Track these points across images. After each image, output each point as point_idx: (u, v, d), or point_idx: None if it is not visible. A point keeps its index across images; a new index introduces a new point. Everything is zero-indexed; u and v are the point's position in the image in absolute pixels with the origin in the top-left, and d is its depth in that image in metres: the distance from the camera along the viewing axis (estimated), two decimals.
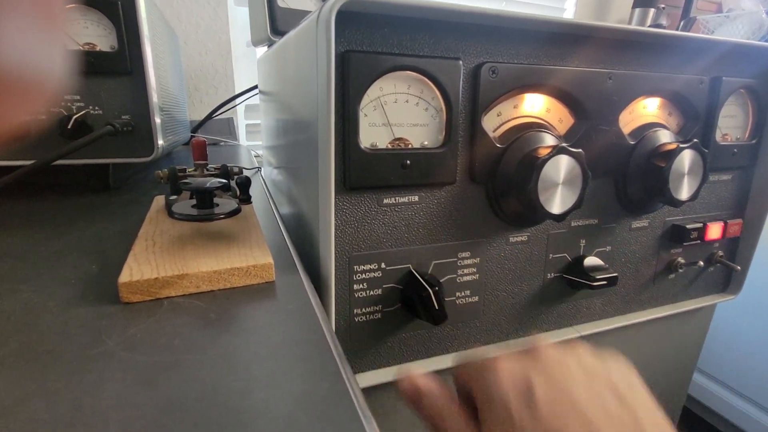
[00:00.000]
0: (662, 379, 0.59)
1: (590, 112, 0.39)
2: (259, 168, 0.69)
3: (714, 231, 0.50)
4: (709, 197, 0.50)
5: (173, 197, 0.38)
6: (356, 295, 0.35)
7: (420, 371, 0.25)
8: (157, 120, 0.46)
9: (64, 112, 0.44)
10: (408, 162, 0.33)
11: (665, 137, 0.43)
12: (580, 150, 0.35)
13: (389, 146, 0.33)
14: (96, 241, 0.35)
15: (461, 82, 0.33)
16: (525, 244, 0.41)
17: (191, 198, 0.35)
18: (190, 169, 0.40)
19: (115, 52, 0.44)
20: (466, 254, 0.38)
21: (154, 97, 0.46)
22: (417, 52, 0.32)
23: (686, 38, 0.40)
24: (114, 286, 0.27)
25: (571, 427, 0.18)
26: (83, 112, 0.44)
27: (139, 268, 0.26)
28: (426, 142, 0.34)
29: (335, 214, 0.32)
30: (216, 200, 0.33)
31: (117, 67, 0.44)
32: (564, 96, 0.38)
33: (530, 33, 0.35)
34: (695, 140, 0.41)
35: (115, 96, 0.45)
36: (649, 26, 1.13)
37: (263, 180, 0.62)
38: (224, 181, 0.32)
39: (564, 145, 0.34)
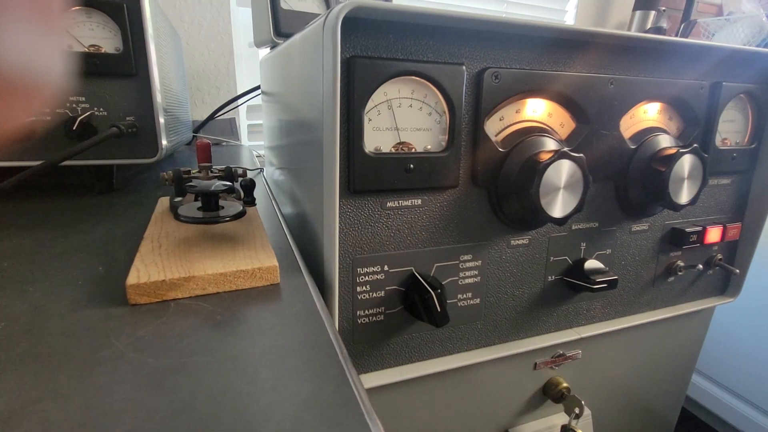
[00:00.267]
0: (661, 380, 0.59)
1: (591, 116, 0.39)
2: (261, 169, 0.70)
3: (713, 234, 0.50)
4: (709, 201, 0.51)
5: (178, 199, 0.38)
6: (359, 297, 0.35)
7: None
8: (161, 121, 0.47)
9: (69, 113, 0.44)
10: (411, 166, 0.33)
11: (665, 142, 0.43)
12: (581, 155, 0.35)
13: (393, 150, 0.33)
14: (101, 242, 0.35)
15: (464, 87, 0.34)
16: (526, 247, 0.41)
17: (196, 200, 0.36)
18: (194, 171, 0.41)
19: (119, 54, 0.44)
20: (468, 257, 0.38)
21: (158, 99, 0.46)
22: (421, 57, 0.32)
23: (687, 44, 0.41)
24: (121, 288, 0.27)
25: None
26: (88, 113, 0.44)
27: (146, 270, 0.26)
28: (429, 147, 0.34)
29: (339, 217, 0.32)
30: (221, 202, 0.33)
31: (122, 68, 0.44)
32: (566, 101, 0.39)
33: (533, 39, 0.36)
34: (695, 145, 0.41)
35: (120, 97, 0.45)
36: (650, 29, 1.13)
37: (265, 180, 0.63)
38: (229, 183, 0.32)
39: (566, 149, 0.35)
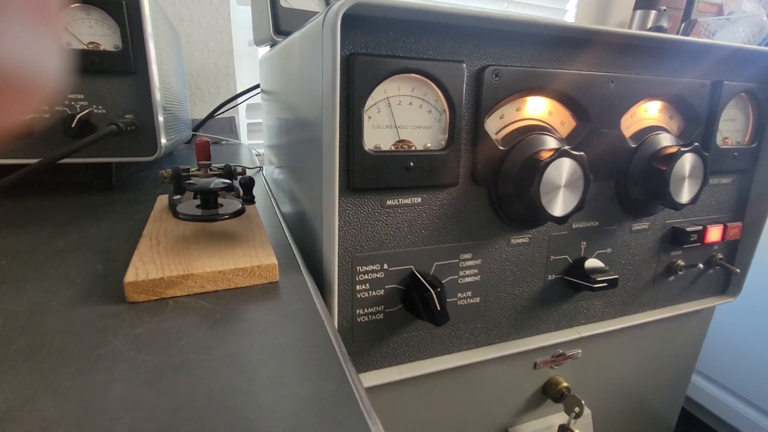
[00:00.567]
0: (661, 380, 0.59)
1: (592, 115, 0.39)
2: (260, 167, 0.69)
3: (714, 234, 0.50)
4: (710, 200, 0.50)
5: (177, 197, 0.38)
6: (359, 296, 0.35)
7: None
8: (160, 119, 0.46)
9: (68, 111, 0.44)
10: (411, 164, 0.33)
11: (666, 140, 0.43)
12: (582, 153, 0.35)
13: (393, 148, 0.33)
14: (100, 240, 0.35)
15: (464, 85, 0.34)
16: (526, 246, 0.41)
17: (195, 198, 0.35)
18: (193, 169, 0.40)
19: (118, 51, 0.44)
20: (468, 256, 0.38)
21: (158, 97, 0.46)
22: (421, 55, 0.32)
23: (688, 42, 0.41)
24: (119, 285, 0.27)
25: None
26: (87, 111, 0.44)
27: (145, 268, 0.26)
28: (429, 145, 0.34)
29: (338, 215, 0.32)
30: (220, 200, 0.33)
31: (121, 66, 0.44)
32: (566, 99, 0.39)
33: (533, 36, 0.35)
34: (696, 144, 0.41)
35: (119, 95, 0.45)
36: (650, 28, 1.13)
37: (264, 179, 0.63)
38: (228, 181, 0.32)
39: (566, 148, 0.34)
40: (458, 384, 0.43)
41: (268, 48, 0.61)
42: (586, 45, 0.38)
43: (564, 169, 0.35)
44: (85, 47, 0.43)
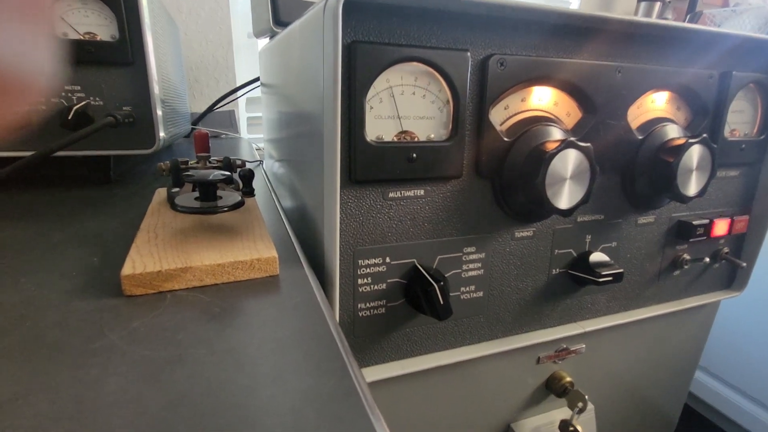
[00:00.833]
0: (665, 375, 0.59)
1: (599, 105, 0.39)
2: (260, 161, 0.69)
3: (720, 227, 0.50)
4: (716, 193, 0.50)
5: (175, 189, 0.37)
6: (360, 290, 0.34)
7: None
8: (159, 111, 0.46)
9: (65, 102, 0.43)
10: (414, 155, 0.32)
11: (673, 132, 0.42)
12: (588, 144, 0.34)
13: (395, 139, 0.32)
14: (97, 233, 0.34)
15: (469, 75, 0.33)
16: (530, 240, 0.40)
17: (194, 190, 0.35)
18: (192, 162, 0.40)
19: (116, 42, 0.43)
20: (472, 249, 0.38)
21: (156, 89, 0.45)
22: (424, 43, 0.31)
23: (697, 31, 0.40)
24: (116, 279, 0.26)
25: None
26: (84, 102, 0.43)
27: (142, 261, 0.26)
28: (432, 136, 0.33)
29: (340, 207, 0.31)
30: (219, 193, 0.32)
31: (118, 57, 0.43)
32: (572, 89, 0.38)
33: (539, 24, 0.35)
34: (704, 135, 0.40)
35: (116, 87, 0.44)
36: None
37: (265, 173, 0.62)
38: (227, 173, 0.31)
39: (572, 139, 0.34)
40: (461, 379, 0.42)
41: (267, 40, 0.60)
42: (593, 34, 0.37)
43: (570, 161, 0.34)
44: (82, 37, 0.42)
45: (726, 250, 0.52)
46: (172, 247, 0.28)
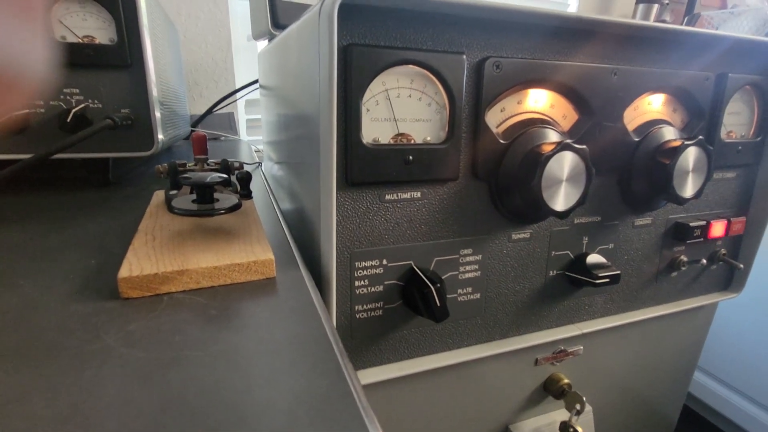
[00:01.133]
0: (663, 377, 0.59)
1: (595, 108, 0.39)
2: (259, 163, 0.69)
3: (717, 229, 0.50)
4: (713, 195, 0.50)
5: (173, 192, 0.38)
6: (357, 292, 0.35)
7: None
8: (157, 114, 0.46)
9: (63, 105, 0.43)
10: (410, 158, 0.32)
11: (670, 134, 0.42)
12: (584, 146, 0.34)
13: (391, 142, 0.32)
14: (95, 236, 0.34)
15: (465, 77, 0.33)
16: (527, 242, 0.40)
17: (191, 193, 0.35)
18: (190, 164, 0.40)
19: (114, 44, 0.43)
20: (468, 251, 0.38)
21: (154, 91, 0.45)
22: (420, 46, 0.31)
23: (692, 33, 0.40)
24: (113, 281, 0.27)
25: None
26: (82, 105, 0.43)
27: (139, 264, 0.26)
28: (429, 138, 0.34)
29: (336, 209, 0.31)
30: (216, 195, 0.32)
31: (116, 60, 0.44)
32: (568, 92, 0.38)
33: (535, 27, 0.35)
34: (700, 137, 0.41)
35: (115, 89, 0.45)
36: (653, 22, 1.12)
37: (264, 175, 0.62)
38: (225, 175, 0.32)
39: (568, 141, 0.34)
40: (458, 381, 0.42)
41: (266, 42, 0.60)
42: (589, 36, 0.37)
43: (566, 163, 0.34)
44: (80, 41, 0.42)
45: (723, 251, 0.53)
46: (169, 250, 0.28)
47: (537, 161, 0.33)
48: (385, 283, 0.35)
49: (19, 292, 0.25)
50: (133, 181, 0.53)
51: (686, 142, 0.40)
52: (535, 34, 0.35)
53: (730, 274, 0.56)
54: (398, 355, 0.38)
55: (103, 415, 0.16)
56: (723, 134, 0.47)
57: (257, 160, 0.73)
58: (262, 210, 0.43)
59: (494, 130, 0.36)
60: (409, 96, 0.32)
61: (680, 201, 0.42)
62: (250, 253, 0.28)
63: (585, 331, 0.46)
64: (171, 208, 0.30)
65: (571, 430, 0.46)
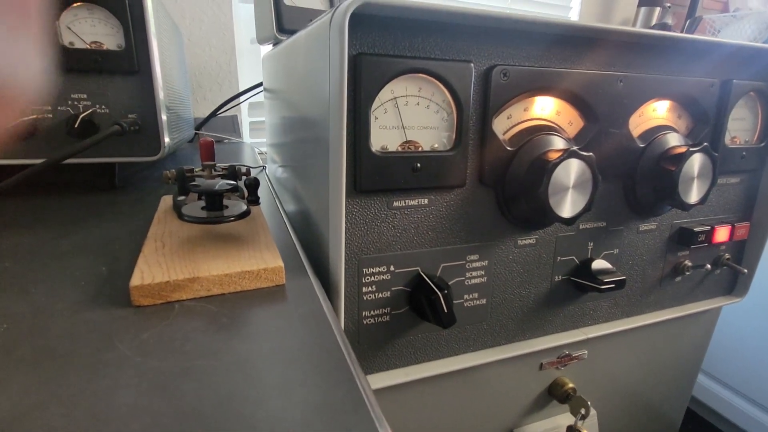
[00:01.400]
0: (667, 381, 0.59)
1: (600, 115, 0.39)
2: (264, 167, 0.69)
3: (721, 234, 0.50)
4: (717, 200, 0.50)
5: (181, 198, 0.38)
6: (365, 298, 0.35)
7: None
8: (164, 118, 0.46)
9: (71, 111, 0.43)
10: (418, 165, 0.33)
11: (675, 140, 0.42)
12: (591, 154, 0.35)
13: (399, 149, 0.33)
14: (104, 241, 0.34)
15: (472, 85, 0.33)
16: (533, 247, 0.41)
17: (200, 199, 0.35)
18: (197, 170, 0.40)
19: (122, 50, 0.44)
20: (475, 257, 0.38)
21: (161, 96, 0.45)
22: (429, 54, 0.31)
23: (698, 41, 0.40)
24: (124, 288, 0.27)
25: None
26: (90, 111, 0.44)
27: (150, 271, 0.26)
28: (436, 145, 0.34)
29: (345, 216, 0.32)
30: (225, 202, 0.33)
31: (124, 65, 0.44)
32: (574, 99, 0.38)
33: (542, 35, 0.35)
34: (705, 144, 0.41)
35: (122, 95, 0.45)
36: (654, 25, 1.12)
37: (268, 177, 0.62)
38: (233, 182, 0.32)
39: (575, 148, 0.34)
40: (464, 385, 0.43)
41: (270, 46, 0.61)
42: (594, 44, 0.37)
43: (572, 170, 0.34)
44: (88, 46, 0.43)
45: (727, 256, 0.53)
46: (179, 257, 0.28)
47: (544, 168, 0.34)
48: (393, 289, 0.36)
49: (32, 299, 0.25)
50: (138, 185, 0.53)
51: (691, 149, 0.40)
52: (542, 43, 0.35)
53: (733, 279, 0.56)
54: (404, 360, 0.38)
55: (120, 425, 0.16)
56: (727, 140, 0.47)
57: (261, 162, 0.73)
58: (267, 212, 0.43)
59: (501, 137, 0.36)
60: (417, 104, 0.32)
61: (685, 207, 0.42)
62: (260, 261, 0.28)
63: (590, 336, 0.46)
64: (181, 215, 0.30)
65: None
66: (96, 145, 0.40)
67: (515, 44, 0.34)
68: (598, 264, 0.43)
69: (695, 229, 0.48)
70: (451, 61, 0.32)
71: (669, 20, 1.18)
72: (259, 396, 0.18)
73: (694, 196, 0.42)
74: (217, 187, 0.30)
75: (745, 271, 0.53)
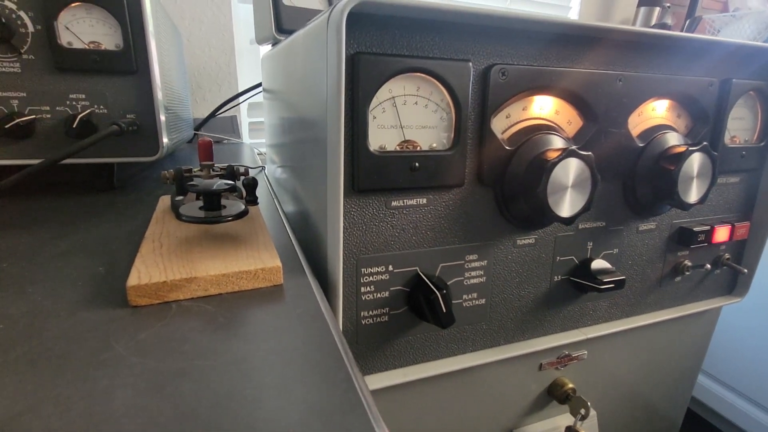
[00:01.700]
0: (667, 381, 0.59)
1: (599, 114, 0.39)
2: (263, 167, 0.69)
3: (721, 234, 0.50)
4: (717, 200, 0.50)
5: (179, 198, 0.38)
6: (363, 298, 0.35)
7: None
8: (162, 119, 0.46)
9: (69, 111, 0.43)
10: (416, 164, 0.33)
11: (674, 140, 0.42)
12: (590, 153, 0.35)
13: (398, 149, 0.33)
14: (102, 242, 0.34)
15: (471, 84, 0.33)
16: (532, 247, 0.40)
17: (198, 199, 0.35)
18: (195, 170, 0.40)
19: (120, 50, 0.43)
20: (474, 257, 0.38)
21: (159, 96, 0.45)
22: (427, 53, 0.31)
23: (698, 40, 0.40)
24: (121, 289, 0.27)
25: None
26: (88, 111, 0.44)
27: (147, 271, 0.26)
28: (434, 145, 0.34)
29: (343, 216, 0.32)
30: (223, 201, 0.33)
31: (122, 66, 0.44)
32: (573, 98, 0.38)
33: (541, 34, 0.35)
34: (705, 143, 0.41)
35: (120, 95, 0.45)
36: (654, 25, 1.12)
37: (267, 178, 0.62)
38: (232, 182, 0.32)
39: (574, 148, 0.34)
40: (463, 386, 0.42)
41: (270, 46, 0.61)
42: (594, 43, 0.37)
43: (571, 170, 0.34)
44: (86, 47, 0.43)
45: (727, 256, 0.53)
46: (177, 257, 0.28)
47: (543, 168, 0.33)
48: (391, 289, 0.35)
49: (29, 299, 0.25)
50: (136, 186, 0.53)
51: (691, 148, 0.40)
52: (541, 42, 0.35)
53: (733, 279, 0.56)
54: (403, 360, 0.38)
55: (117, 426, 0.16)
56: (727, 139, 0.47)
57: (260, 163, 0.73)
58: (266, 213, 0.43)
59: (500, 137, 0.36)
60: (416, 103, 0.32)
61: (685, 206, 0.42)
62: (258, 260, 0.28)
63: (589, 336, 0.46)
64: (179, 216, 0.30)
65: None
66: (94, 145, 0.40)
67: (514, 43, 0.34)
68: (598, 264, 0.43)
69: (695, 228, 0.48)
70: (449, 60, 0.32)
71: (669, 20, 1.18)
72: (257, 396, 0.18)
73: (693, 195, 0.42)
74: (214, 187, 0.30)
75: (745, 271, 0.53)
